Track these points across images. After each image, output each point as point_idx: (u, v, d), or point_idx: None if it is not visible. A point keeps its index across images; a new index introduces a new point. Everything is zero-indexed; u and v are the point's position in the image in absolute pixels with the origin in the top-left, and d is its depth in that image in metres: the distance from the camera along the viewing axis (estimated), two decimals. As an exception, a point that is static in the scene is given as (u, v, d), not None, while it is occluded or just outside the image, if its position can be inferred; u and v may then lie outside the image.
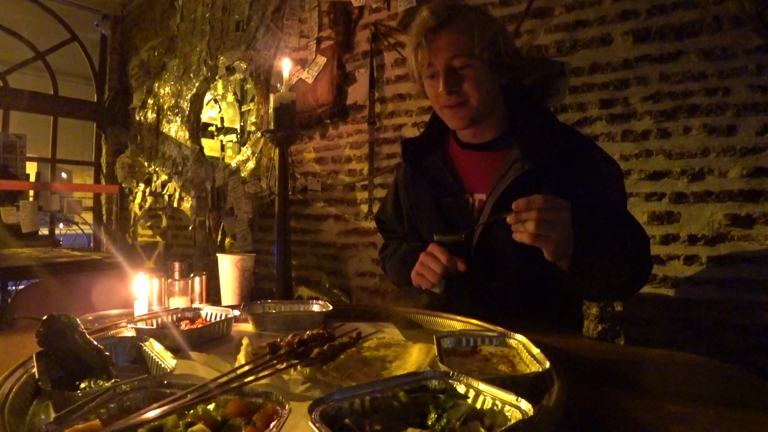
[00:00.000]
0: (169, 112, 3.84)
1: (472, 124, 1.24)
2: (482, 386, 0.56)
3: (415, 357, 0.78)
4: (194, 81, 3.62)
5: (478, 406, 0.55)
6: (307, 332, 0.78)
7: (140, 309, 1.07)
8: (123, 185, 4.21)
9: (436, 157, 1.34)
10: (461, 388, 0.58)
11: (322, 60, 2.81)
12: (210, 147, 3.82)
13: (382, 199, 1.55)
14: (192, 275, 1.32)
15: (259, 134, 3.24)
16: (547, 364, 0.65)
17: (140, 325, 0.92)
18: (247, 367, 0.67)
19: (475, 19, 1.18)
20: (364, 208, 2.70)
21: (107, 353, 0.70)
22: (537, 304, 1.19)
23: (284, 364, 0.70)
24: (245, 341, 0.81)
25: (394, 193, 1.50)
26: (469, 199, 1.27)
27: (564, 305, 1.30)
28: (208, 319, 1.01)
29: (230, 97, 3.94)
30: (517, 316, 1.09)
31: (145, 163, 4.05)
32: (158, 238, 4.01)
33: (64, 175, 4.42)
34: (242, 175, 3.28)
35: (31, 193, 3.75)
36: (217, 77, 3.54)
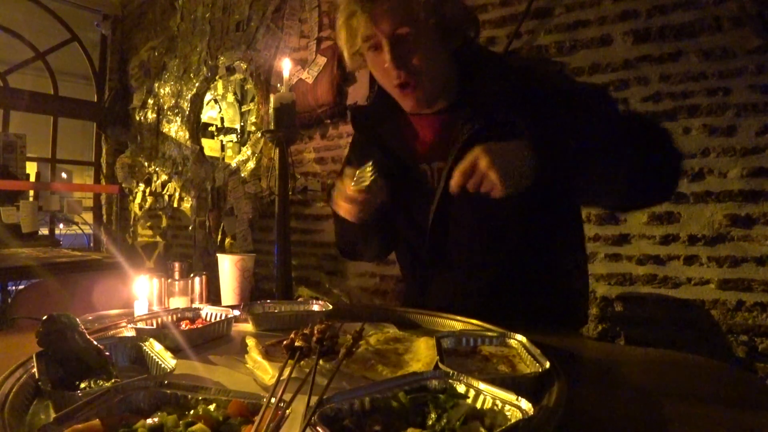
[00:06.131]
0: (169, 112, 3.84)
1: (428, 105, 1.12)
2: (482, 386, 0.56)
3: (423, 351, 0.78)
4: (194, 81, 3.62)
5: (479, 405, 0.55)
6: (315, 328, 0.77)
7: (140, 309, 1.07)
8: (123, 185, 4.21)
9: (390, 125, 1.20)
10: (461, 388, 0.58)
11: (322, 60, 2.81)
12: (210, 147, 3.82)
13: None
14: (192, 275, 1.32)
15: (259, 134, 3.24)
16: (547, 364, 0.65)
17: (140, 325, 0.92)
18: (286, 372, 0.66)
19: None
20: (364, 208, 2.69)
21: (107, 353, 0.70)
22: (521, 299, 1.10)
23: (311, 363, 0.70)
24: (251, 341, 0.81)
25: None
26: (428, 170, 1.16)
27: (558, 299, 1.18)
28: (208, 319, 1.01)
29: (230, 97, 3.94)
30: (506, 311, 1.01)
31: (145, 163, 4.05)
32: (158, 238, 4.01)
33: (64, 175, 4.42)
34: (242, 175, 3.28)
35: (31, 193, 3.75)
36: (217, 77, 3.54)
